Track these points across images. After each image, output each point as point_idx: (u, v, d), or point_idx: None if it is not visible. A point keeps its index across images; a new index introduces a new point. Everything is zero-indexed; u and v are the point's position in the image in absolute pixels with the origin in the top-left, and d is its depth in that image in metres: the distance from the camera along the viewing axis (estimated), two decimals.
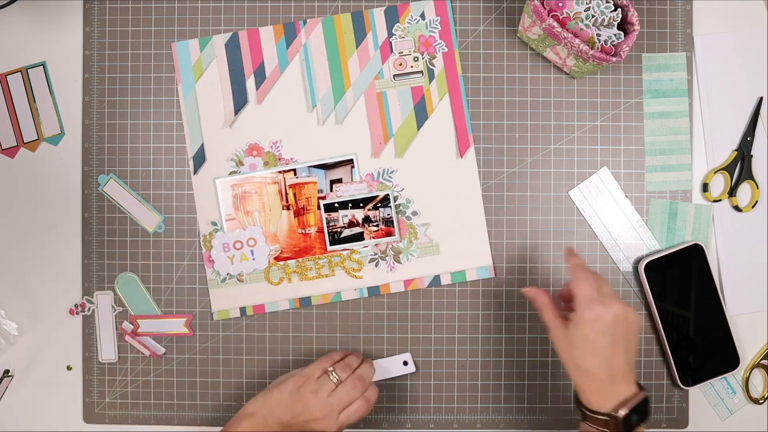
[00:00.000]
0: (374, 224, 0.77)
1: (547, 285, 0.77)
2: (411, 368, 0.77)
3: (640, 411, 0.61)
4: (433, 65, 0.77)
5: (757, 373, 0.78)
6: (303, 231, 0.77)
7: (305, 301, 0.78)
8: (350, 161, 0.77)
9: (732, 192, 0.77)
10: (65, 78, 0.78)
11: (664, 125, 0.77)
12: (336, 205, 0.77)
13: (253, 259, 0.77)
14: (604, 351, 0.61)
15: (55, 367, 0.79)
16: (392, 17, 0.77)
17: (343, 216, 0.77)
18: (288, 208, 0.77)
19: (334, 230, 0.77)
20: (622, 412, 0.60)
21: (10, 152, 0.79)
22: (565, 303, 0.68)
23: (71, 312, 0.79)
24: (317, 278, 0.77)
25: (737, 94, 0.77)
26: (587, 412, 0.62)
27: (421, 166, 0.77)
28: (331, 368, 0.71)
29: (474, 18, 0.77)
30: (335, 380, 0.70)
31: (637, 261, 0.77)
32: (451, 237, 0.77)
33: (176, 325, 0.78)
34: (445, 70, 0.77)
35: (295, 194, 0.77)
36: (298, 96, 0.77)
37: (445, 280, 0.77)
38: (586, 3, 0.69)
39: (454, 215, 0.77)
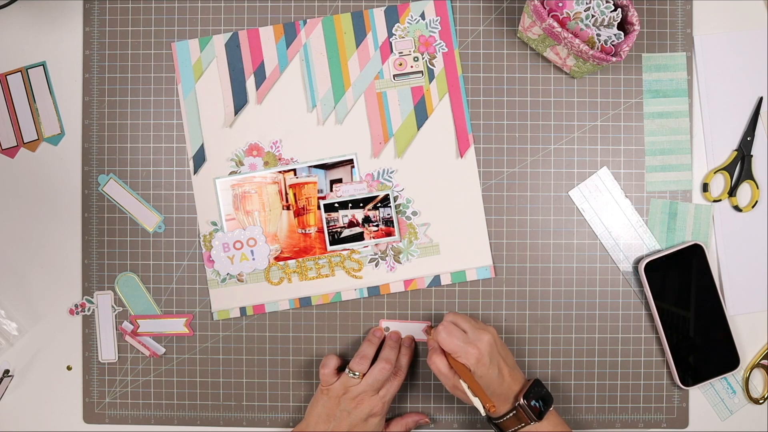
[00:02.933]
0: (374, 224, 0.77)
1: (547, 285, 0.77)
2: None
3: (536, 392, 0.69)
4: (433, 65, 0.77)
5: (757, 373, 0.78)
6: (303, 231, 0.77)
7: (305, 301, 0.78)
8: (350, 161, 0.77)
9: (732, 192, 0.77)
10: (65, 78, 0.78)
11: (664, 125, 0.77)
12: (336, 205, 0.77)
13: (253, 259, 0.77)
14: (496, 376, 0.67)
15: (55, 367, 0.79)
16: (392, 17, 0.77)
17: (343, 216, 0.77)
18: (288, 208, 0.77)
19: (334, 230, 0.77)
20: (521, 400, 0.68)
21: (10, 152, 0.79)
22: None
23: (71, 312, 0.79)
24: (317, 278, 0.77)
25: (737, 94, 0.77)
26: (502, 420, 0.69)
27: (421, 166, 0.77)
28: (347, 369, 0.72)
29: (474, 18, 0.77)
30: (354, 375, 0.72)
31: (637, 261, 0.77)
32: (451, 237, 0.77)
33: (176, 325, 0.78)
34: (445, 70, 0.77)
35: (295, 194, 0.77)
36: (298, 96, 0.77)
37: (445, 280, 0.77)
38: (586, 3, 0.69)
39: (454, 215, 0.77)
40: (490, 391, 0.67)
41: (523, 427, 0.68)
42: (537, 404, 0.68)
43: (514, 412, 0.68)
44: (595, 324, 0.77)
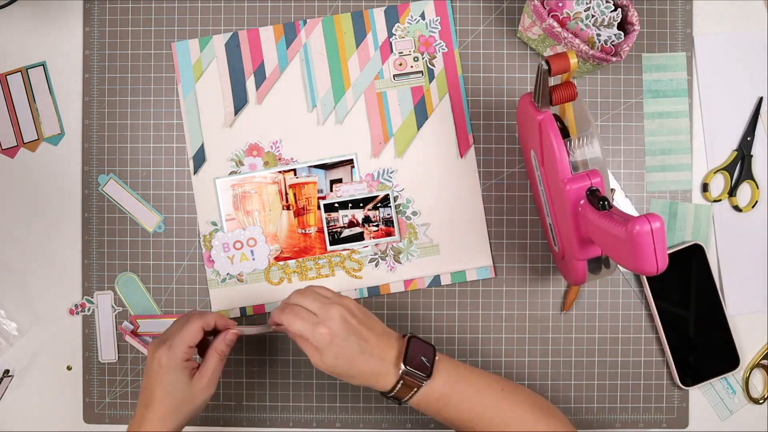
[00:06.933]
0: (374, 224, 0.77)
1: (546, 285, 0.77)
2: None
3: (413, 352, 0.63)
4: (433, 65, 0.77)
5: (757, 373, 0.78)
6: (303, 231, 0.77)
7: None
8: (350, 161, 0.77)
9: (732, 192, 0.77)
10: (65, 78, 0.78)
11: (664, 125, 0.77)
12: (336, 205, 0.77)
13: (253, 259, 0.77)
14: (358, 351, 0.62)
15: (55, 367, 0.79)
16: (392, 17, 0.77)
17: (343, 216, 0.77)
18: (288, 208, 0.77)
19: (334, 230, 0.77)
20: (402, 367, 0.62)
21: (10, 152, 0.79)
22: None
23: (71, 312, 0.79)
24: (317, 278, 0.77)
25: (737, 94, 0.78)
26: (394, 393, 0.63)
27: (421, 166, 0.77)
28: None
29: (474, 18, 0.77)
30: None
31: None
32: (451, 237, 0.77)
33: None
34: (445, 70, 0.77)
35: (295, 194, 0.77)
36: (298, 96, 0.77)
37: (445, 280, 0.77)
38: (586, 3, 0.69)
39: (454, 215, 0.77)
40: (357, 370, 0.62)
41: (417, 391, 0.63)
42: (423, 360, 0.63)
43: (401, 381, 0.62)
44: (595, 324, 0.77)
